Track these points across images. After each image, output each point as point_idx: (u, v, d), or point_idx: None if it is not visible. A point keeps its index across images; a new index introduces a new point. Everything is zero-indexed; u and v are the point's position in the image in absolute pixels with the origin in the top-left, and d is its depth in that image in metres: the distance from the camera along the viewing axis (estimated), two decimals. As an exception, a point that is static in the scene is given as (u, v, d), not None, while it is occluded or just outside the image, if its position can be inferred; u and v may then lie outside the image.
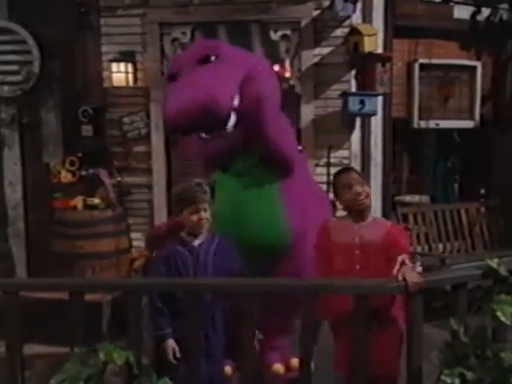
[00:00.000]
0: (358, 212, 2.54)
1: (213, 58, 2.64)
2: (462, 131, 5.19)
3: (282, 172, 2.85)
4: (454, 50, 4.95)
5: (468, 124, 5.06)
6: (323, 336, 2.67)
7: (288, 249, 2.80)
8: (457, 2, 4.82)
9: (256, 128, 2.68)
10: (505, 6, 4.95)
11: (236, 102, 2.60)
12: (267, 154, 2.78)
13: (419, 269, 2.39)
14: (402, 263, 2.36)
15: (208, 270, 2.57)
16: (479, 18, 4.90)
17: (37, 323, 2.92)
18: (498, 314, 2.30)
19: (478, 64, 5.02)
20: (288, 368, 3.00)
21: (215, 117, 2.45)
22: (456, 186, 5.44)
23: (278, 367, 3.00)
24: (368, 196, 2.56)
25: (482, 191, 5.34)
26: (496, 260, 2.47)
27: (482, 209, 5.12)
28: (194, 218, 2.57)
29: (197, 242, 2.62)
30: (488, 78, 5.11)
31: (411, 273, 2.32)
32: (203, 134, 2.68)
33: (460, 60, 4.97)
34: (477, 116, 5.05)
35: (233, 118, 2.62)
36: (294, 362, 2.90)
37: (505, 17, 4.96)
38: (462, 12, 4.87)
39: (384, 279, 2.41)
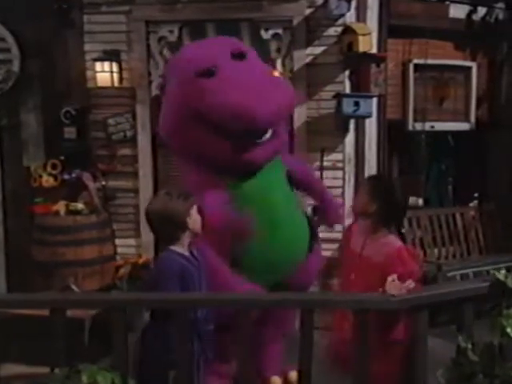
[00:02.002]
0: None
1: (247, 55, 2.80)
2: (457, 133, 5.09)
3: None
4: (449, 50, 4.85)
5: (463, 126, 4.96)
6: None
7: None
8: (452, 1, 4.71)
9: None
10: (501, 5, 4.85)
11: None
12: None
13: (412, 285, 2.27)
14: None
15: (204, 283, 2.44)
16: (475, 17, 4.80)
17: (14, 341, 2.74)
18: (508, 330, 2.18)
19: (474, 65, 4.92)
20: (286, 381, 2.90)
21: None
22: (450, 188, 5.34)
23: (276, 381, 2.88)
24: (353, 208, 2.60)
25: (476, 194, 5.24)
26: (503, 271, 2.36)
27: (478, 213, 5.01)
28: (200, 217, 2.44)
29: (187, 253, 2.44)
30: (483, 79, 5.02)
31: (396, 288, 2.22)
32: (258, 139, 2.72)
33: (455, 60, 4.87)
34: (472, 118, 4.95)
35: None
36: (293, 375, 2.79)
37: (500, 16, 4.86)
38: (457, 11, 4.76)
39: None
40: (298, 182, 3.04)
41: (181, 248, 2.42)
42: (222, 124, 2.62)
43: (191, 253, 2.47)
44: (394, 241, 2.49)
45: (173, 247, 2.41)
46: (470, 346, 2.24)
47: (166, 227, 2.38)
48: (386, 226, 2.49)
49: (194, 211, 2.43)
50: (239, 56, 2.78)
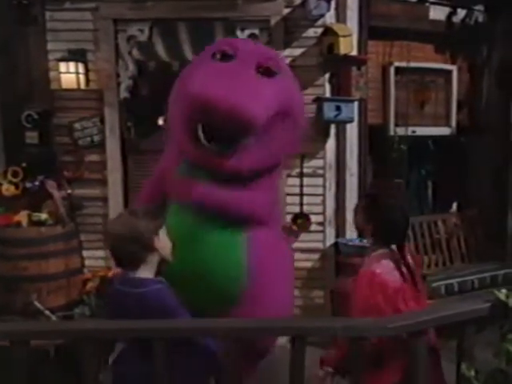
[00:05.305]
0: None
1: (274, 72, 2.52)
2: (437, 138, 4.99)
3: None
4: (430, 52, 4.75)
5: (444, 131, 4.87)
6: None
7: (242, 295, 2.55)
8: (432, 3, 4.60)
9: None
10: (480, 7, 4.77)
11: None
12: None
13: None
14: None
15: None
16: (455, 19, 4.71)
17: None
18: (514, 356, 2.03)
19: (454, 68, 4.83)
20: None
21: (239, 129, 2.34)
22: (430, 194, 5.26)
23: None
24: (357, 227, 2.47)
25: (455, 201, 5.18)
26: (504, 291, 2.22)
27: (459, 220, 4.93)
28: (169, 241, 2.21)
29: None
30: (464, 82, 4.94)
31: None
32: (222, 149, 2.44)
33: (435, 64, 4.77)
34: (453, 122, 4.87)
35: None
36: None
37: (480, 19, 4.78)
38: (437, 13, 4.67)
39: (382, 318, 2.13)
40: None
41: (151, 273, 2.17)
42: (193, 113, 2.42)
43: None
44: (376, 261, 2.26)
45: (147, 275, 2.14)
46: (473, 373, 2.10)
47: (132, 249, 2.10)
48: (385, 246, 2.30)
49: (162, 233, 2.19)
50: (264, 70, 2.52)
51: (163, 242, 2.18)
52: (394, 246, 2.36)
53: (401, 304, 2.21)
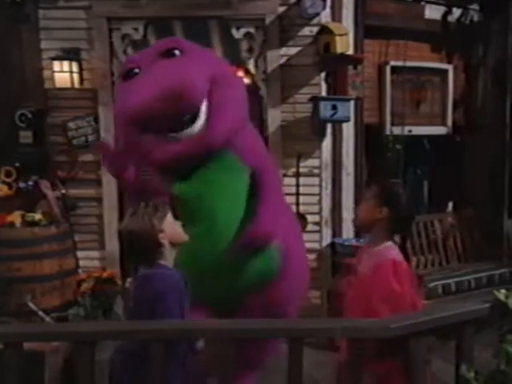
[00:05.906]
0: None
1: (177, 52, 2.50)
2: (433, 137, 4.98)
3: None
4: (426, 52, 4.74)
5: (440, 130, 4.86)
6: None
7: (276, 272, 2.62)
8: (428, 2, 4.59)
9: (220, 131, 2.48)
10: (475, 6, 4.76)
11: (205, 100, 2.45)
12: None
13: None
14: None
15: None
16: (450, 18, 4.70)
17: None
18: (514, 357, 2.02)
19: (450, 67, 4.83)
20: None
21: (189, 106, 2.33)
22: (426, 193, 5.24)
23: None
24: (357, 218, 2.47)
25: (451, 200, 5.17)
26: (503, 291, 2.20)
27: (456, 220, 4.91)
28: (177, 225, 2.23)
29: None
30: (459, 82, 4.93)
31: None
32: (168, 135, 2.44)
33: (431, 63, 4.76)
34: (449, 122, 4.87)
35: (202, 117, 2.45)
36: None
37: (475, 18, 4.77)
38: (433, 12, 4.66)
39: (383, 319, 2.11)
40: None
41: (169, 261, 2.20)
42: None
43: None
44: (390, 251, 2.19)
45: (162, 262, 2.16)
46: (472, 374, 2.09)
47: (145, 253, 2.14)
48: (392, 236, 2.23)
49: (167, 222, 2.17)
50: (167, 54, 2.53)
51: (170, 229, 2.17)
52: (397, 239, 2.31)
53: (415, 296, 2.18)
